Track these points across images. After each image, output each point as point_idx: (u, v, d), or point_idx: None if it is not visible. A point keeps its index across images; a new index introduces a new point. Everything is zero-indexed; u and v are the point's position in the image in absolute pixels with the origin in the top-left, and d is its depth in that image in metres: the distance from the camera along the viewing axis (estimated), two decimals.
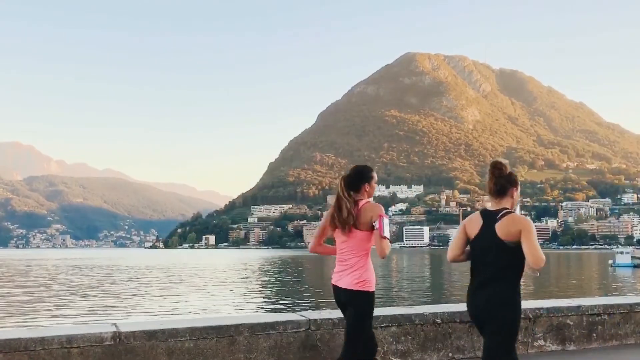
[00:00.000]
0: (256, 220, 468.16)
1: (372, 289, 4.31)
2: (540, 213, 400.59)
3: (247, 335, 5.09)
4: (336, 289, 4.38)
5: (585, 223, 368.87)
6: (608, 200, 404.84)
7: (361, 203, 4.33)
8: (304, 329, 5.31)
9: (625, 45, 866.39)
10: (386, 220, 4.17)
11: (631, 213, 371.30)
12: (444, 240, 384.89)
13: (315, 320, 5.37)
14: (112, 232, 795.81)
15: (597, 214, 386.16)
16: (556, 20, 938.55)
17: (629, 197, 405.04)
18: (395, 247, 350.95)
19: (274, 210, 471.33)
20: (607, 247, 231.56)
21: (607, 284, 49.81)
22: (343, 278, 4.30)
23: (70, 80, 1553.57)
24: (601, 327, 6.57)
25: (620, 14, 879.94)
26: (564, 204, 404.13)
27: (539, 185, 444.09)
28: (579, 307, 6.53)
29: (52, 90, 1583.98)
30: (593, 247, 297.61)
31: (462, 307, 6.20)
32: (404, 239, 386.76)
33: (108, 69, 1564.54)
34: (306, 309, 24.76)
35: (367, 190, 4.45)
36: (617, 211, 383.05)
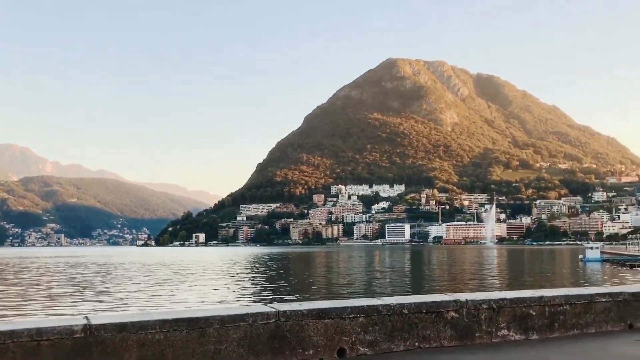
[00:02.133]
0: (245, 218, 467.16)
1: None
2: (515, 211, 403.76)
3: (217, 327, 5.00)
4: None
5: (557, 220, 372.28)
6: (579, 198, 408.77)
7: None
8: (273, 320, 5.22)
9: (596, 50, 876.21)
10: None
11: (601, 210, 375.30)
12: (424, 237, 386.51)
13: (285, 312, 5.29)
14: (105, 231, 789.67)
15: (568, 211, 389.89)
16: (530, 27, 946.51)
17: (599, 195, 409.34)
18: (378, 244, 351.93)
19: (262, 209, 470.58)
20: (578, 242, 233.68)
21: (577, 277, 50.23)
22: None
23: (66, 82, 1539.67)
24: (563, 317, 6.54)
25: (591, 20, 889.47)
26: (537, 202, 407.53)
27: (514, 185, 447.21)
28: (541, 297, 6.49)
29: (47, 93, 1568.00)
30: (565, 243, 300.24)
31: (429, 297, 6.17)
32: (386, 236, 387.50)
33: (102, 70, 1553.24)
34: (278, 302, 24.66)
35: None
36: (587, 209, 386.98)
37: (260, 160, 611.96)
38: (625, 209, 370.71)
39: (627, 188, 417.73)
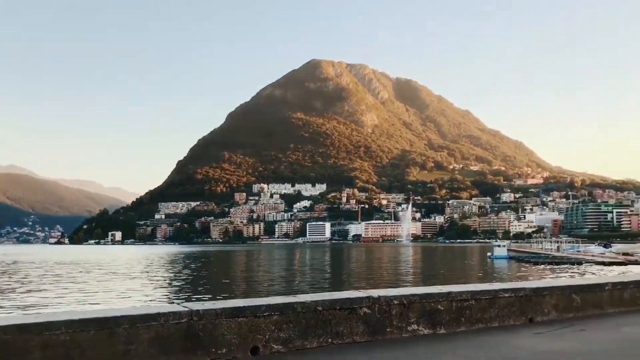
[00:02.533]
0: (163, 216, 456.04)
1: None
2: (430, 210, 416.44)
3: (126, 327, 4.81)
4: None
5: (468, 219, 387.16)
6: (489, 198, 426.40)
7: None
8: (185, 319, 5.09)
9: (506, 58, 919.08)
10: None
11: (508, 210, 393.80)
12: (344, 235, 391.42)
13: (197, 311, 5.17)
14: (15, 229, 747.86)
15: (479, 211, 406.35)
16: (447, 34, 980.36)
17: (507, 196, 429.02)
18: (299, 242, 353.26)
19: (181, 207, 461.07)
20: (487, 241, 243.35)
21: (485, 274, 52.35)
22: None
23: None
24: (469, 311, 6.78)
25: (503, 31, 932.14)
26: (450, 202, 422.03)
27: (429, 185, 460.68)
28: (449, 293, 6.70)
29: None
30: (475, 241, 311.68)
31: (343, 295, 6.23)
32: (307, 234, 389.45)
33: (12, 62, 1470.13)
34: (194, 301, 24.25)
35: None
36: (496, 209, 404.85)
37: (181, 158, 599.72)
38: (531, 209, 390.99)
39: (532, 190, 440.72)
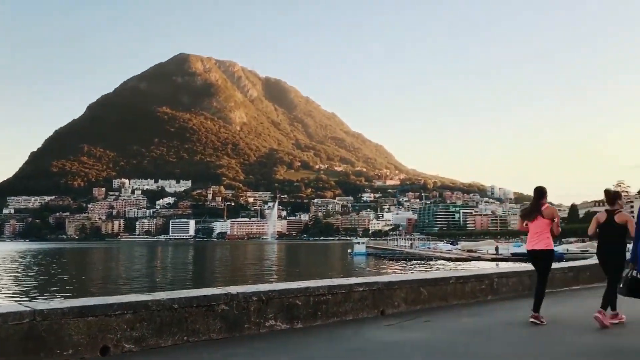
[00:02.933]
0: (12, 211, 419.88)
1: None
2: (296, 208, 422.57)
3: None
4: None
5: (332, 217, 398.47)
6: (351, 198, 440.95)
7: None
8: (27, 320, 4.71)
9: (371, 64, 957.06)
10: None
11: (368, 209, 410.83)
12: (209, 233, 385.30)
13: (41, 310, 4.81)
14: None
15: (341, 209, 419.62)
16: (317, 37, 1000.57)
17: (367, 196, 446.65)
18: (161, 239, 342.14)
19: (33, 202, 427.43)
20: (348, 238, 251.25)
21: (345, 269, 54.08)
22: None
23: None
24: (325, 305, 6.95)
25: (368, 37, 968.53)
26: (315, 200, 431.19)
27: (295, 184, 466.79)
28: (307, 288, 6.82)
29: None
30: (337, 238, 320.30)
31: (201, 292, 6.11)
32: (170, 232, 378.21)
33: None
34: (39, 300, 22.64)
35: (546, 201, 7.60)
36: (357, 208, 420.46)
37: (35, 149, 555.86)
38: (388, 208, 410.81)
39: (390, 190, 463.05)
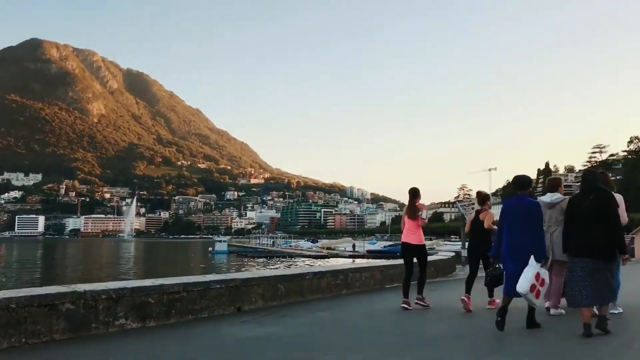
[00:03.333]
0: None
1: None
2: (155, 205, 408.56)
3: None
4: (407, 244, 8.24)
5: (194, 215, 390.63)
6: (214, 196, 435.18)
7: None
8: None
9: (237, 61, 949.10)
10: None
11: (232, 207, 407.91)
12: (60, 230, 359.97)
13: None
14: None
15: (204, 207, 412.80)
16: (179, 30, 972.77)
17: (231, 194, 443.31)
18: (5, 235, 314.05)
19: None
20: (210, 236, 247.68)
21: (205, 267, 53.22)
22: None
23: None
24: (180, 303, 6.74)
25: (237, 36, 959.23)
26: (176, 197, 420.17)
27: (156, 180, 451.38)
28: (161, 286, 6.57)
29: None
30: (199, 236, 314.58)
31: (43, 290, 5.65)
32: (17, 228, 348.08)
33: None
34: None
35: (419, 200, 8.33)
36: (220, 206, 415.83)
37: None
38: (252, 207, 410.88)
39: (254, 189, 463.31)
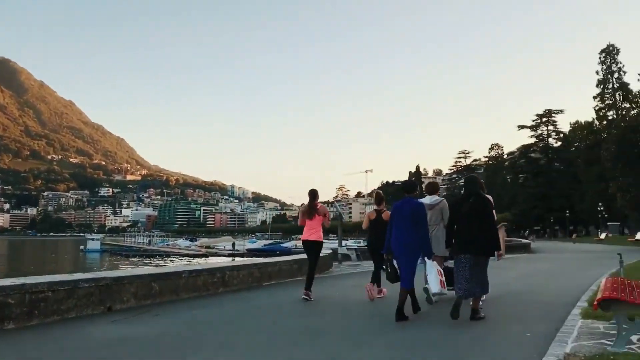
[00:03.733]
0: None
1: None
2: (22, 201, 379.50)
3: None
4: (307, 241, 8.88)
5: (64, 212, 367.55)
6: (87, 192, 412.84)
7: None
8: None
9: (113, 50, 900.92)
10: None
11: (106, 205, 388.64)
12: None
13: None
14: None
15: (76, 204, 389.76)
16: (55, 16, 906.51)
17: (105, 191, 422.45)
18: None
19: None
20: (82, 234, 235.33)
21: (76, 266, 50.35)
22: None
23: None
24: (44, 303, 6.32)
25: (109, 20, 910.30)
26: (45, 193, 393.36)
27: (22, 175, 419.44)
28: (23, 285, 6.12)
29: None
30: (70, 234, 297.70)
31: None
32: None
33: None
34: None
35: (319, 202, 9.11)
36: (94, 202, 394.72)
37: None
38: (128, 204, 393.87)
39: (130, 186, 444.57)
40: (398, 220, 6.82)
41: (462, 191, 7.09)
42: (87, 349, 5.10)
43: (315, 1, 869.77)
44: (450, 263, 8.01)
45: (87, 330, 5.95)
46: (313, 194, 8.96)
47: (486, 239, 6.40)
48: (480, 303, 6.74)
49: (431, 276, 6.67)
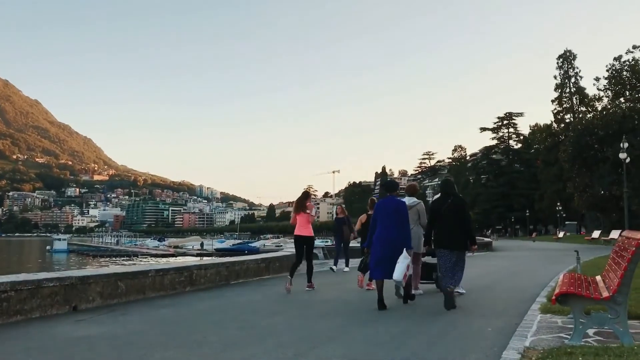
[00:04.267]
0: None
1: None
2: None
3: None
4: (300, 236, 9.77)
5: (30, 212, 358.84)
6: (53, 192, 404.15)
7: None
8: None
9: (81, 49, 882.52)
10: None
11: (73, 205, 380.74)
12: None
13: None
14: None
15: (42, 204, 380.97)
16: (20, 15, 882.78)
17: (72, 191, 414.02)
18: None
19: None
20: (49, 234, 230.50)
21: (42, 267, 49.23)
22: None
23: None
24: (7, 303, 6.13)
25: (78, 13, 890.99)
26: (11, 193, 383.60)
27: None
28: None
29: None
30: (36, 234, 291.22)
31: None
32: None
33: None
34: None
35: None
36: (60, 203, 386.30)
37: None
38: (95, 204, 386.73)
39: (98, 186, 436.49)
40: (382, 217, 7.27)
41: (440, 192, 7.65)
42: (48, 348, 4.96)
43: (278, 5, 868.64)
44: (428, 259, 8.95)
45: (50, 330, 5.79)
46: (305, 194, 10.23)
47: (465, 235, 7.20)
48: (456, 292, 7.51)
49: (400, 265, 6.96)
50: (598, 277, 5.72)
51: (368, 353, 4.62)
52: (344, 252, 13.98)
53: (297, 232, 9.79)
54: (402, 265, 6.96)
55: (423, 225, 8.31)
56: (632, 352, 3.84)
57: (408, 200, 8.50)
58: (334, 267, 13.64)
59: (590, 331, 4.98)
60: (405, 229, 7.21)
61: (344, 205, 16.45)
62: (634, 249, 4.34)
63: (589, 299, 4.56)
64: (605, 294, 4.61)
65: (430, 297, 8.24)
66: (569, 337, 4.78)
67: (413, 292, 8.04)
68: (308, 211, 9.84)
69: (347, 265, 13.80)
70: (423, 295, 8.36)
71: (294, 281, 9.34)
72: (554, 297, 4.72)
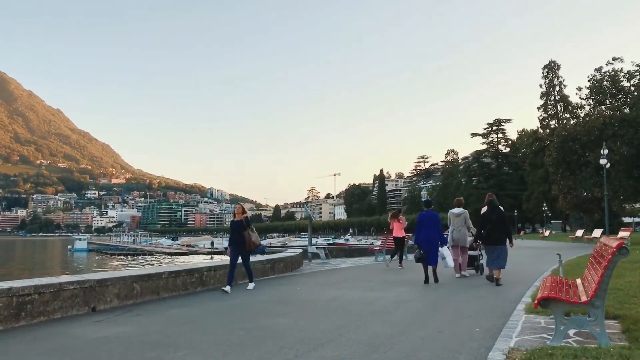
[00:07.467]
0: None
1: None
2: (12, 203, 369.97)
3: None
4: None
5: (52, 214, 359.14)
6: (74, 195, 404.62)
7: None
8: None
9: (100, 61, 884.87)
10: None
11: (92, 206, 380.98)
12: None
13: None
14: None
15: (64, 206, 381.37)
16: (39, 29, 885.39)
17: (91, 193, 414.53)
18: None
19: None
20: (70, 234, 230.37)
21: (64, 266, 49.21)
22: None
23: None
24: (31, 305, 6.16)
25: (92, 30, 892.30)
26: (35, 196, 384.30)
27: (12, 178, 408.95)
28: (10, 289, 5.96)
29: None
30: (58, 234, 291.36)
31: None
32: None
33: None
34: None
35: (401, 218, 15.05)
36: (81, 204, 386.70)
37: None
38: (113, 206, 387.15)
39: (115, 188, 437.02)
40: (425, 223, 10.22)
41: (487, 206, 9.96)
42: (69, 348, 4.99)
43: (290, 15, 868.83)
44: (471, 252, 11.61)
45: (71, 330, 5.82)
46: (399, 210, 15.64)
47: (506, 235, 9.76)
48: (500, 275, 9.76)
49: (448, 258, 10.24)
50: (578, 280, 5.73)
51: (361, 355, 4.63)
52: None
53: (395, 234, 14.53)
54: (448, 257, 10.20)
55: (468, 227, 11.38)
56: (608, 354, 3.86)
57: (457, 210, 11.44)
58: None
59: (571, 331, 5.00)
60: (440, 231, 10.17)
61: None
62: (610, 257, 4.36)
63: (568, 303, 4.57)
64: (583, 298, 4.63)
65: (472, 278, 11.14)
66: (550, 337, 4.79)
67: (458, 275, 11.10)
68: (401, 222, 14.47)
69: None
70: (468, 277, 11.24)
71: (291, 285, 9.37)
72: (536, 302, 4.74)
